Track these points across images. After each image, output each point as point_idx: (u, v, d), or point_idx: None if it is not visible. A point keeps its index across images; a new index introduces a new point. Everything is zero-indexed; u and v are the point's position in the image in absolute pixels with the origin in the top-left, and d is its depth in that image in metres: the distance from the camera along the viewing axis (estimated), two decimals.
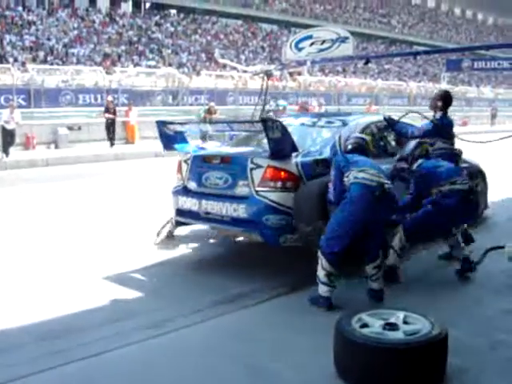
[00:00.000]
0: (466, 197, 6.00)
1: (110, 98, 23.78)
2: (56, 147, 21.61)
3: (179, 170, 7.33)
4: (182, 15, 48.63)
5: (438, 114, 7.11)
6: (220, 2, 51.28)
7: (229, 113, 26.04)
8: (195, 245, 8.13)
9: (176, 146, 7.43)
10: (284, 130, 6.07)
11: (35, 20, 38.39)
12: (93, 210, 10.50)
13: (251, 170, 6.43)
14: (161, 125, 7.35)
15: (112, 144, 22.11)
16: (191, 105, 30.42)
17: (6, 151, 18.61)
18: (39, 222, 9.65)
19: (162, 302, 5.86)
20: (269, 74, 9.68)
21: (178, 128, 7.41)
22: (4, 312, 5.59)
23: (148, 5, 49.01)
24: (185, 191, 7.18)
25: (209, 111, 24.25)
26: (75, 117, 23.81)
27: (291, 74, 36.34)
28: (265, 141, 6.37)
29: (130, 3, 48.39)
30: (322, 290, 5.43)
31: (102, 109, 23.22)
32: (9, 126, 18.95)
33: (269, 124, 6.01)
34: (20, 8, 39.34)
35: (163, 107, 29.05)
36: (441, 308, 5.20)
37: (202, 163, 7.07)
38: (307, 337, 4.82)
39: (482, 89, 56.04)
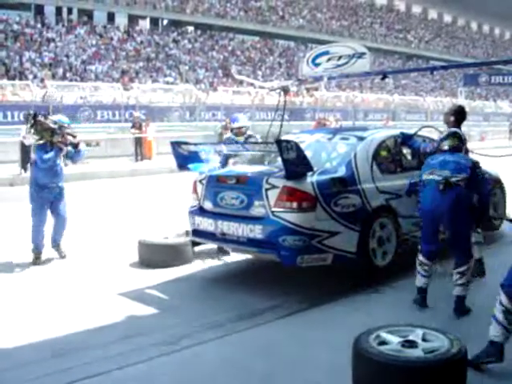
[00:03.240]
0: (440, 188, 5.55)
1: (136, 114, 23.97)
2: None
3: (195, 190, 7.34)
4: (199, 32, 48.95)
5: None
6: (237, 18, 51.55)
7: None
8: (211, 260, 8.12)
9: (190, 166, 7.45)
10: (299, 150, 6.04)
11: (54, 37, 38.84)
12: (109, 226, 10.52)
13: (266, 190, 6.40)
14: (175, 145, 7.38)
15: (138, 159, 22.30)
16: (208, 121, 30.52)
17: (24, 167, 18.72)
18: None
19: (177, 318, 5.84)
20: (286, 90, 9.68)
21: (192, 148, 7.44)
22: (19, 328, 5.60)
23: (166, 22, 49.40)
24: (201, 211, 7.19)
25: (226, 127, 24.30)
26: (93, 133, 23.95)
27: (308, 90, 36.38)
28: (279, 159, 6.37)
29: (148, 20, 48.79)
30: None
31: (120, 125, 23.37)
32: (27, 142, 19.08)
33: (283, 145, 5.97)
34: (39, 25, 39.82)
35: (180, 123, 29.16)
36: (462, 325, 5.15)
37: (217, 183, 7.08)
38: (326, 353, 4.78)
39: (499, 103, 55.74)
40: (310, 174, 6.36)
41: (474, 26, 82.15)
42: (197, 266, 7.78)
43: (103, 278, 7.30)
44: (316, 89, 36.47)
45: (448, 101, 46.53)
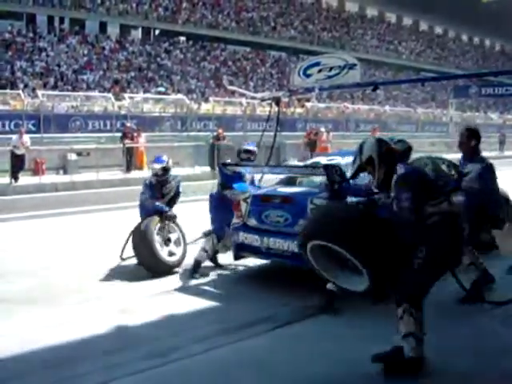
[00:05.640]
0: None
1: (128, 124, 23.93)
2: (65, 173, 21.66)
3: (237, 207, 7.71)
4: (190, 42, 48.99)
5: None
6: (229, 29, 51.66)
7: (237, 139, 26.07)
8: (203, 273, 8.11)
9: (235, 185, 7.98)
10: (342, 175, 6.32)
11: (46, 46, 38.81)
12: (99, 237, 10.49)
13: (311, 209, 6.76)
14: (222, 166, 8.15)
15: (129, 169, 22.21)
16: (199, 131, 30.51)
17: (15, 176, 18.68)
18: (46, 248, 9.65)
19: (165, 331, 5.82)
20: (277, 101, 9.69)
21: (237, 169, 8.00)
22: (10, 339, 5.56)
23: (157, 32, 49.42)
24: (245, 228, 7.60)
25: (217, 137, 24.33)
26: (84, 142, 23.90)
27: (299, 101, 36.47)
28: (315, 180, 7.25)
29: (140, 30, 48.79)
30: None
31: (112, 134, 23.33)
32: (18, 151, 19.07)
33: (330, 170, 6.33)
34: (31, 34, 39.76)
35: (172, 133, 29.13)
36: None
37: (261, 202, 7.57)
38: (318, 366, 4.76)
39: (489, 115, 56.03)
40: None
41: (464, 37, 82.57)
42: (188, 279, 7.76)
43: (91, 289, 7.27)
44: (307, 100, 36.56)
45: (439, 112, 46.78)
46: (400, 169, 4.62)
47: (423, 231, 4.52)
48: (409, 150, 6.76)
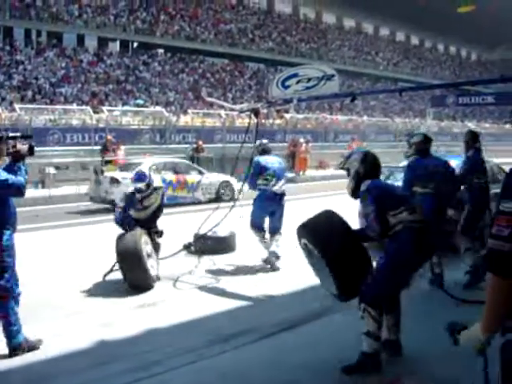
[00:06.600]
0: None
1: (109, 137, 23.79)
2: (43, 187, 21.49)
3: None
4: (169, 54, 48.98)
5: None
6: (207, 41, 51.71)
7: (216, 151, 26.10)
8: (183, 287, 8.09)
9: None
10: None
11: (23, 59, 38.59)
12: (78, 251, 10.42)
13: None
14: None
15: None
16: (179, 143, 30.44)
17: None
18: (25, 263, 9.55)
19: (148, 345, 5.78)
20: (256, 112, 9.73)
21: None
22: None
23: (135, 44, 49.36)
24: None
25: (197, 149, 24.34)
26: (63, 156, 23.74)
27: (278, 112, 36.57)
28: None
29: (118, 43, 48.68)
30: None
31: (90, 148, 23.19)
32: None
33: None
34: (8, 47, 39.53)
35: (151, 146, 29.04)
36: None
37: None
38: (301, 377, 4.76)
39: (467, 123, 56.54)
40: None
41: (440, 47, 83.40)
42: (170, 293, 7.74)
43: (71, 304, 7.21)
44: (286, 111, 36.67)
45: (417, 122, 47.11)
46: (364, 185, 5.04)
47: (387, 240, 4.91)
48: (426, 140, 7.46)
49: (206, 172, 19.28)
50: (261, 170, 9.03)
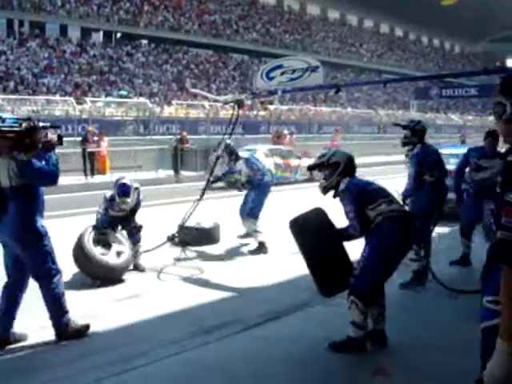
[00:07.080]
0: None
1: (90, 128, 23.60)
2: None
3: None
4: (152, 45, 48.76)
5: None
6: (191, 32, 51.50)
7: (200, 142, 26.02)
8: (165, 275, 8.09)
9: None
10: None
11: (5, 50, 38.23)
12: (61, 244, 10.34)
13: None
14: None
15: (88, 175, 21.89)
16: (163, 134, 30.34)
17: None
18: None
19: (132, 336, 5.76)
20: (240, 104, 9.72)
21: None
22: None
23: (119, 35, 49.06)
24: None
25: (181, 141, 24.26)
26: None
27: (262, 103, 36.51)
28: None
29: (101, 33, 48.36)
30: None
31: (73, 139, 23.03)
32: None
33: None
34: None
35: (134, 137, 28.92)
36: None
37: None
38: (284, 368, 4.77)
39: (450, 115, 56.82)
40: None
41: (424, 40, 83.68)
42: (154, 284, 7.72)
43: None
44: (270, 102, 36.63)
45: (400, 114, 47.24)
46: (342, 184, 5.18)
47: (368, 234, 5.07)
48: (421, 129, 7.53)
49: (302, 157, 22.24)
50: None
